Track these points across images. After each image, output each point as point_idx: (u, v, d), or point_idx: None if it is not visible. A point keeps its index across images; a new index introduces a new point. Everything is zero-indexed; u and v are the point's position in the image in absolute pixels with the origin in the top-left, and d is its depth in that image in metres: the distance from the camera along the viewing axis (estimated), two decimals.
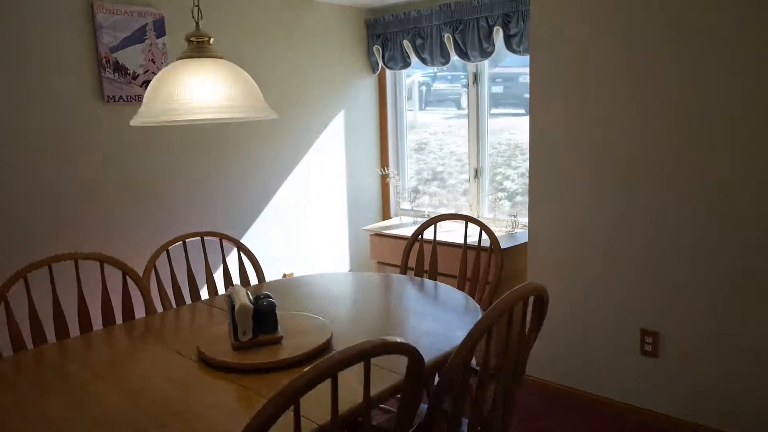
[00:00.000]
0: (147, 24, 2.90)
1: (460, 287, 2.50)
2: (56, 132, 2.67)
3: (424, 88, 5.27)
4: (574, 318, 2.73)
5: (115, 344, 1.82)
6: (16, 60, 2.53)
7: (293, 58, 3.58)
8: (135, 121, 1.57)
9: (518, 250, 3.10)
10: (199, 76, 1.62)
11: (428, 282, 2.34)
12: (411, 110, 4.30)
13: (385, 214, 4.24)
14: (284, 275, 3.71)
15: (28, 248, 2.63)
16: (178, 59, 1.64)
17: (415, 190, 3.81)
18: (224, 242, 2.54)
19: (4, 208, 2.56)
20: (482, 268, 2.53)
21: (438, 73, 4.12)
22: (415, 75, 4.17)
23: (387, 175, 3.87)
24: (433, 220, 2.65)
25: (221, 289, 3.01)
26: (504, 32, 3.22)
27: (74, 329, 2.39)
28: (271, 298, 1.79)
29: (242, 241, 3.44)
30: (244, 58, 3.32)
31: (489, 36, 3.31)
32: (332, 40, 3.79)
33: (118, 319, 2.41)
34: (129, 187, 2.94)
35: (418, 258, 2.62)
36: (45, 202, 2.67)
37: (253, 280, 3.24)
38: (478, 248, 2.54)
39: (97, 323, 2.49)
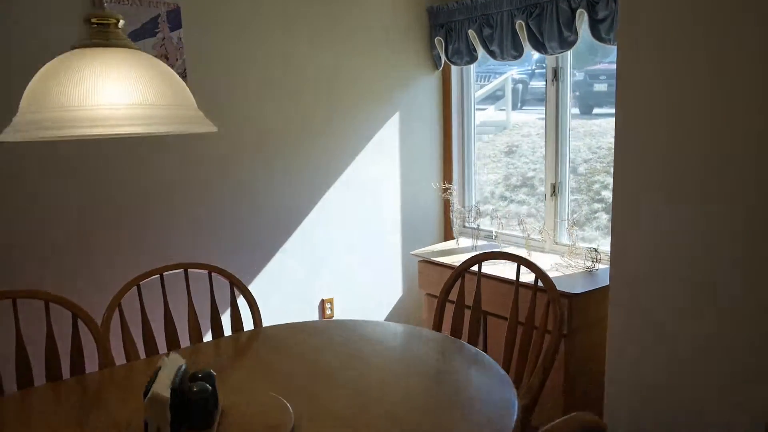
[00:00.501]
0: (159, 15, 2.54)
1: (510, 340, 1.90)
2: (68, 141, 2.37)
3: (520, 86, 4.74)
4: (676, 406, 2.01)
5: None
6: (11, 56, 2.25)
7: (338, 53, 3.10)
8: (5, 137, 1.14)
9: (596, 295, 2.41)
10: (105, 72, 1.17)
11: (461, 355, 1.75)
12: (503, 110, 3.91)
13: (447, 235, 3.65)
14: (323, 301, 3.25)
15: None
16: (73, 48, 1.19)
17: (476, 209, 3.20)
18: (215, 276, 2.10)
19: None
20: (539, 318, 1.90)
21: (536, 71, 3.61)
22: (510, 72, 3.69)
23: (447, 189, 3.29)
24: (477, 259, 2.06)
25: (207, 336, 2.57)
26: (589, 16, 2.54)
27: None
28: (211, 377, 1.31)
29: (274, 259, 3.01)
30: (274, 54, 2.89)
31: (571, 22, 2.63)
32: (386, 31, 3.26)
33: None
34: (135, 198, 2.60)
35: (459, 293, 2.05)
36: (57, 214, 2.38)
37: (249, 323, 2.80)
38: (534, 291, 1.92)
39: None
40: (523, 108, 4.27)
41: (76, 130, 1.12)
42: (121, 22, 1.22)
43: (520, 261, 1.97)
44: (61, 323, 2.05)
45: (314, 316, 3.24)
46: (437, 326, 2.05)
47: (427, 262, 3.01)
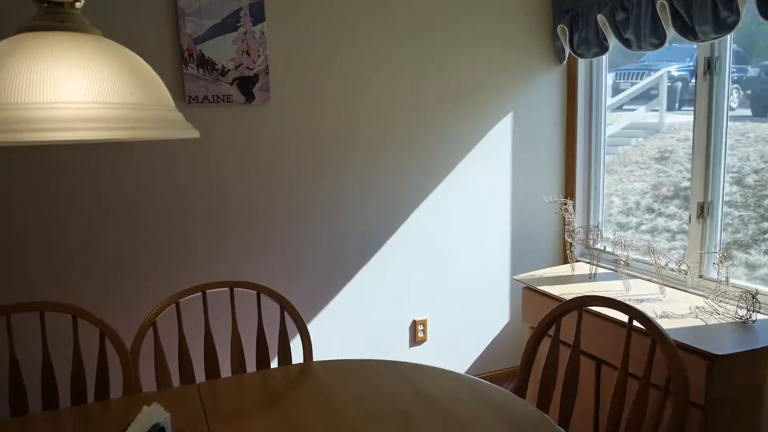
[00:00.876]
0: (241, 8, 2.37)
1: (617, 406, 1.43)
2: (132, 144, 2.30)
3: (679, 84, 4.25)
4: None
5: None
6: None
7: (442, 45, 2.74)
8: None
9: (751, 358, 1.81)
10: (64, 62, 0.94)
11: None
12: (656, 110, 3.60)
13: (565, 258, 3.13)
14: (414, 322, 2.91)
15: (111, 264, 2.30)
16: (20, 31, 0.97)
17: (599, 229, 2.65)
18: (263, 297, 1.86)
19: (75, 217, 2.26)
20: (658, 373, 1.41)
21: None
22: (667, 68, 3.33)
23: (566, 205, 2.79)
24: (572, 304, 1.60)
25: (252, 364, 2.33)
26: None
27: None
28: None
29: (361, 273, 2.74)
30: (368, 49, 2.60)
31: None
32: (500, 19, 2.84)
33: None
34: (213, 203, 2.45)
35: (555, 333, 1.60)
36: (117, 219, 2.32)
37: (298, 355, 2.52)
38: (651, 347, 1.43)
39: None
40: (681, 109, 3.83)
41: (28, 134, 0.90)
42: (81, 2, 0.98)
43: (632, 314, 1.48)
44: (90, 340, 1.95)
45: (404, 337, 2.91)
46: (526, 369, 1.63)
47: (531, 290, 2.54)
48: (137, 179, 2.33)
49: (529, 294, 2.56)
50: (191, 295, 1.74)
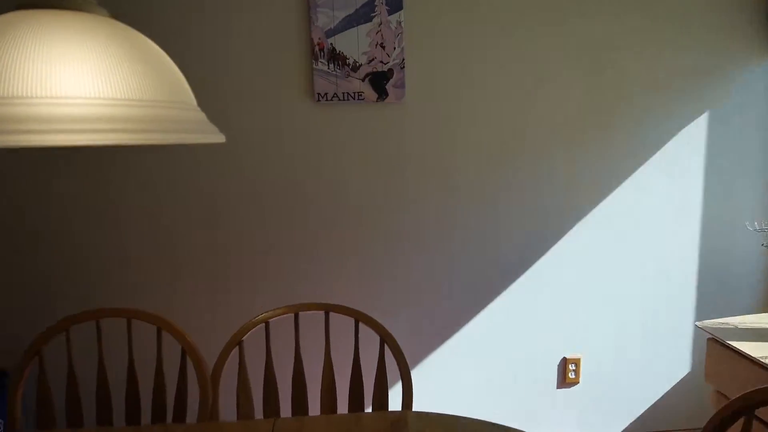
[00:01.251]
0: None
1: None
2: (256, 138, 2.20)
3: None
4: None
5: None
6: (211, 53, 2.14)
7: (611, 34, 2.25)
8: None
9: None
10: (64, 47, 0.76)
11: None
12: None
13: None
14: (564, 360, 2.46)
15: (233, 271, 2.25)
16: (16, 8, 0.81)
17: None
18: (362, 327, 1.60)
19: (203, 219, 2.23)
20: None
21: None
22: None
23: None
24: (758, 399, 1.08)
25: (343, 402, 2.03)
26: None
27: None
28: None
29: (499, 300, 2.37)
30: (521, 38, 2.21)
31: None
32: (689, 2, 2.26)
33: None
34: (325, 209, 2.27)
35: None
36: (236, 221, 2.24)
37: (396, 400, 2.17)
38: None
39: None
40: None
41: (23, 137, 0.73)
42: None
43: None
44: (170, 352, 1.85)
45: (552, 376, 2.47)
46: None
47: (719, 344, 1.95)
48: (243, 179, 2.22)
49: (716, 348, 1.98)
50: (280, 316, 1.55)
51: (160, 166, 2.19)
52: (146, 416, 2.02)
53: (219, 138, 0.88)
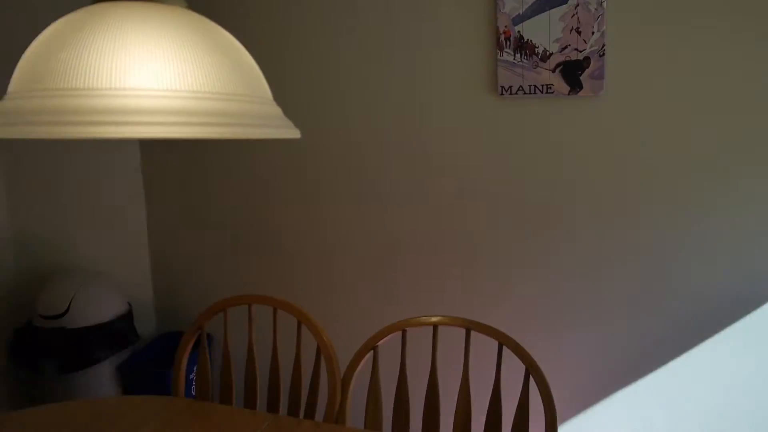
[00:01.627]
0: None
1: None
2: (431, 136, 2.11)
3: None
4: None
5: None
6: (383, 42, 2.10)
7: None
8: None
9: None
10: (142, 39, 0.76)
11: None
12: None
13: None
14: None
15: (397, 273, 2.23)
16: (94, 1, 0.80)
17: None
18: (506, 351, 1.39)
19: (370, 218, 2.23)
20: None
21: None
22: None
23: None
24: None
25: (478, 426, 1.73)
26: None
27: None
28: None
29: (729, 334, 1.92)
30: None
31: None
32: None
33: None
34: (525, 212, 2.06)
35: None
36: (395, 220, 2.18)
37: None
38: None
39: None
40: None
41: (80, 129, 0.75)
42: None
43: None
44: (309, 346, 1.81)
45: None
46: None
47: None
48: (414, 180, 2.13)
49: None
50: (419, 327, 1.43)
51: (347, 160, 2.24)
52: (284, 406, 2.08)
53: (294, 133, 0.82)
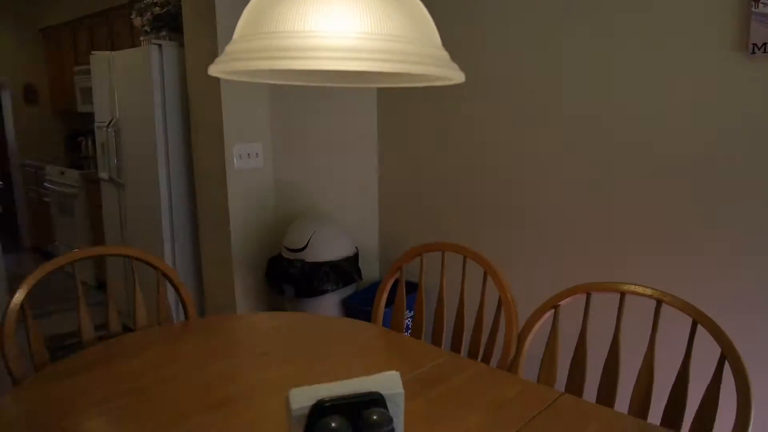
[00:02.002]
0: None
1: None
2: (657, 102, 1.92)
3: None
4: None
5: None
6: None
7: None
8: (216, 69, 1.03)
9: None
10: None
11: None
12: None
13: None
14: None
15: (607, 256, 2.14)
16: None
17: None
18: (700, 330, 1.24)
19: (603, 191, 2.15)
20: None
21: None
22: None
23: None
24: None
25: (656, 409, 1.45)
26: None
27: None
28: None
29: None
30: None
31: None
32: None
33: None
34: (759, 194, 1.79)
35: None
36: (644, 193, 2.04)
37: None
38: None
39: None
40: None
41: (280, 62, 0.92)
42: None
43: None
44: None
45: None
46: None
47: None
48: (630, 149, 1.94)
49: None
50: (605, 292, 1.38)
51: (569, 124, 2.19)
52: (465, 349, 2.13)
53: (459, 76, 0.91)
